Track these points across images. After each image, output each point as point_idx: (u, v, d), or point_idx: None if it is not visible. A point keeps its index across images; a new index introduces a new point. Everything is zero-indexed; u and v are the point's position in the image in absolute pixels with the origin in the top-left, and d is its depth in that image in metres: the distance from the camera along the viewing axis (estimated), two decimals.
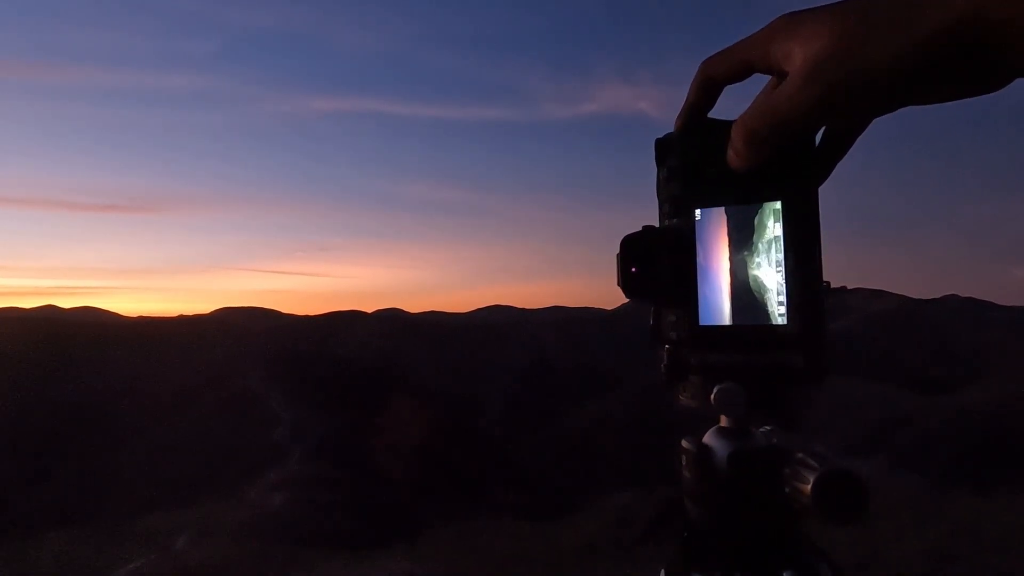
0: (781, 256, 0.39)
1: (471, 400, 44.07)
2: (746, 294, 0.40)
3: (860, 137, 0.40)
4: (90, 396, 37.64)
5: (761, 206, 0.40)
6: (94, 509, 23.81)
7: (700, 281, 0.41)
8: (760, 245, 0.40)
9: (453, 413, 38.23)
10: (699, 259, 0.41)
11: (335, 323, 56.00)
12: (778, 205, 0.39)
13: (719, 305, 0.41)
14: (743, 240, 0.40)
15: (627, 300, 0.43)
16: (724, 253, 0.41)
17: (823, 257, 0.38)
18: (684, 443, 0.44)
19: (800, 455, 0.37)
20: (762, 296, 0.40)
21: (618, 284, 0.43)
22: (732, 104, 0.42)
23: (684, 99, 0.42)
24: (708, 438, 0.43)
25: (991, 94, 0.34)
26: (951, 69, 0.31)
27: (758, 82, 0.41)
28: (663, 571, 0.45)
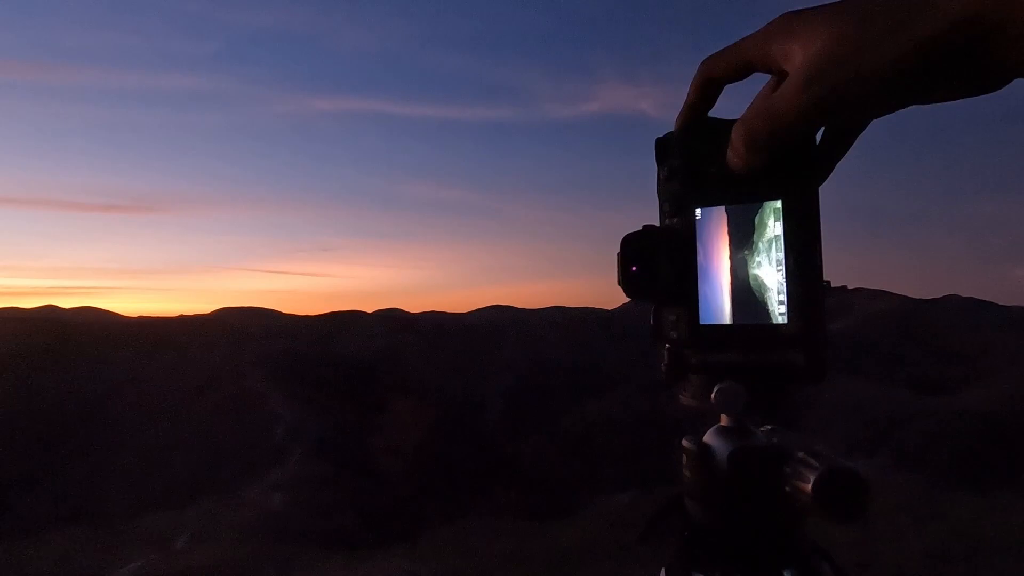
0: (781, 255, 0.39)
1: (471, 400, 44.05)
2: (746, 293, 0.40)
3: (860, 136, 0.40)
4: (90, 396, 37.64)
5: (761, 205, 0.39)
6: (94, 509, 23.81)
7: (700, 280, 0.41)
8: (760, 244, 0.39)
9: (453, 413, 38.23)
10: (699, 258, 0.41)
11: (335, 323, 55.99)
12: (778, 204, 0.39)
13: (719, 304, 0.41)
14: (743, 239, 0.40)
15: (627, 300, 0.44)
16: (724, 252, 0.40)
17: (823, 256, 0.38)
18: (685, 442, 0.44)
19: (800, 454, 0.37)
20: (762, 295, 0.39)
21: (618, 283, 0.43)
22: (732, 104, 0.42)
23: (684, 99, 0.42)
24: (709, 437, 0.43)
25: (991, 94, 0.34)
26: (949, 71, 0.31)
27: (758, 81, 0.41)
28: (663, 571, 0.45)
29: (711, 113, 0.42)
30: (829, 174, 0.40)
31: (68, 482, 28.50)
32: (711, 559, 0.42)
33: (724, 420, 0.43)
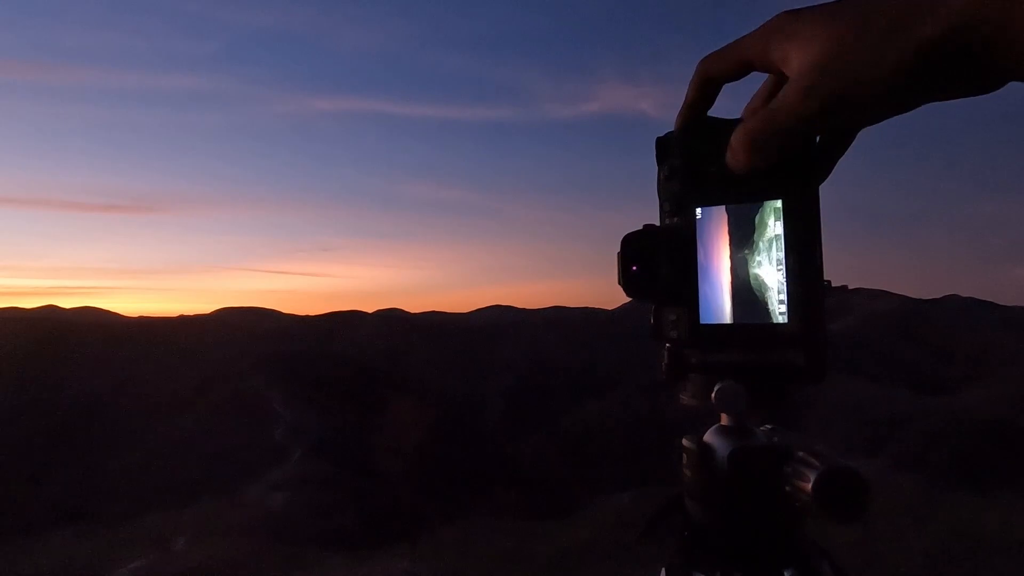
0: (782, 255, 0.39)
1: (471, 400, 44.04)
2: (747, 293, 0.40)
3: (860, 136, 0.40)
4: (90, 396, 37.63)
5: (762, 204, 0.39)
6: (94, 509, 23.81)
7: (701, 280, 0.41)
8: (761, 244, 0.39)
9: (453, 413, 38.22)
10: (700, 258, 0.41)
11: (335, 323, 55.98)
12: (779, 203, 0.39)
13: (720, 304, 0.41)
14: (744, 239, 0.40)
15: (628, 299, 0.43)
16: (725, 252, 0.40)
17: (824, 256, 0.38)
18: (685, 441, 0.44)
19: (801, 453, 0.37)
20: (763, 295, 0.39)
21: (618, 283, 0.43)
22: (731, 103, 0.43)
23: (684, 98, 0.43)
24: (709, 437, 0.43)
25: (990, 94, 0.34)
26: (948, 74, 0.32)
27: (757, 80, 0.41)
28: (663, 570, 0.44)
29: (711, 112, 0.42)
30: (829, 173, 0.40)
31: (68, 482, 28.48)
32: (711, 559, 0.42)
33: (724, 420, 0.43)
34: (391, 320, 57.67)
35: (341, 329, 54.81)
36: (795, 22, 0.35)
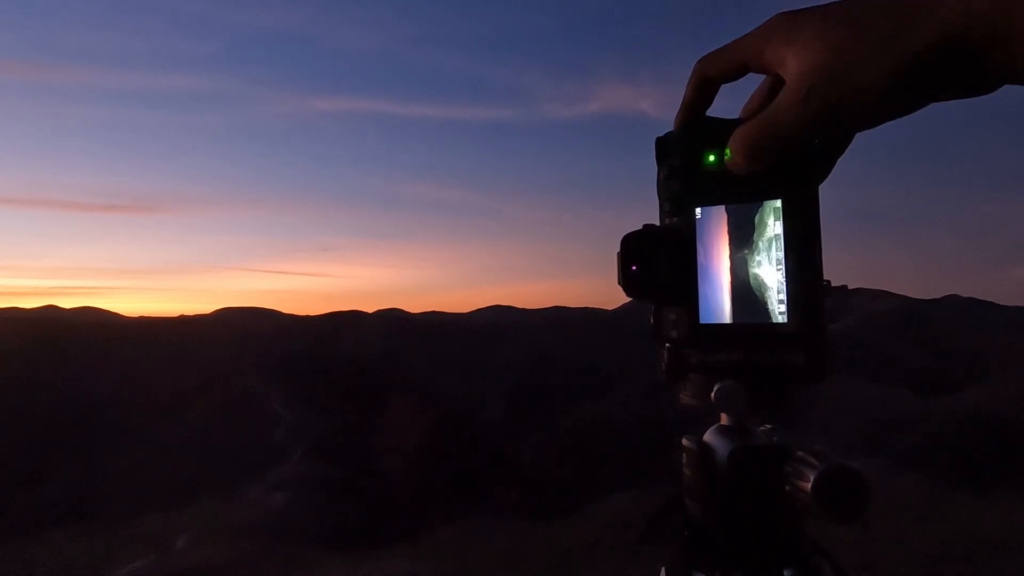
0: (781, 254, 0.39)
1: (471, 400, 44.05)
2: (746, 292, 0.40)
3: (860, 136, 0.39)
4: (90, 396, 37.63)
5: (761, 204, 0.39)
6: (94, 509, 23.80)
7: (700, 279, 0.41)
8: (760, 243, 0.39)
9: (453, 413, 38.22)
10: (699, 257, 0.41)
11: (335, 323, 56.00)
12: (778, 203, 0.39)
13: (719, 303, 0.41)
14: (743, 238, 0.40)
15: (628, 300, 0.43)
16: (724, 251, 0.41)
17: (823, 256, 0.38)
18: (685, 441, 0.44)
19: (800, 453, 0.37)
20: (762, 294, 0.39)
21: (618, 283, 0.43)
22: (730, 103, 0.43)
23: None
24: (709, 436, 0.43)
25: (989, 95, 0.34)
26: (945, 78, 0.32)
27: (757, 80, 0.41)
28: (663, 570, 0.44)
29: (710, 112, 0.42)
30: (829, 173, 0.40)
31: (68, 482, 28.48)
32: (711, 559, 0.42)
33: (724, 419, 0.43)
34: (391, 320, 57.68)
35: (341, 329, 54.83)
36: (793, 24, 0.35)
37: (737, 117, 0.42)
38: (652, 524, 0.46)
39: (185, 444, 31.36)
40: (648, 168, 0.44)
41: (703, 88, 0.41)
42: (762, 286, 0.39)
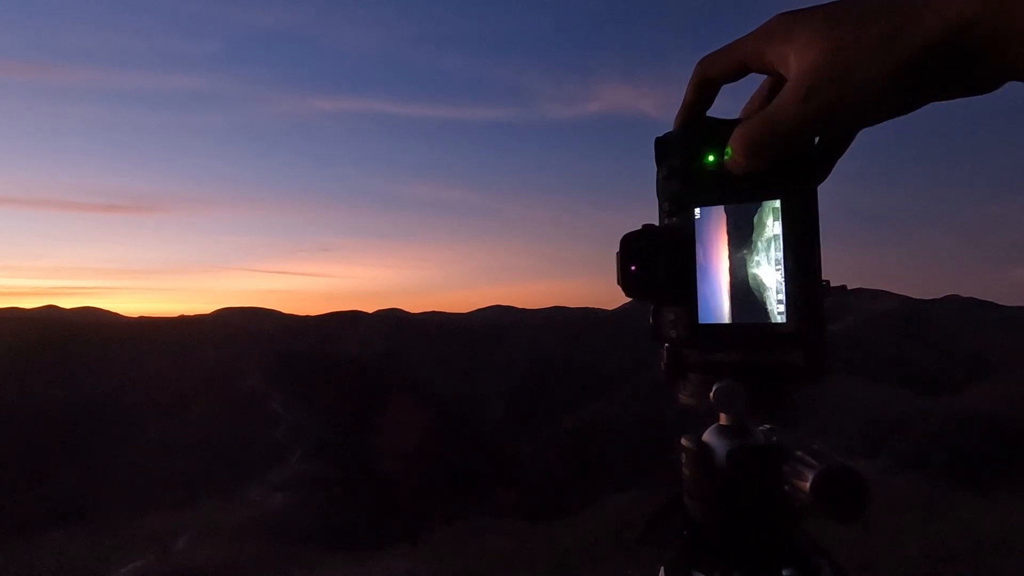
0: (780, 255, 0.39)
1: (471, 400, 44.06)
2: (745, 292, 0.40)
3: (860, 136, 0.39)
4: (90, 396, 37.64)
5: (761, 204, 0.39)
6: (94, 509, 23.80)
7: (699, 279, 0.41)
8: (759, 243, 0.39)
9: (453, 413, 38.23)
10: (698, 257, 0.41)
11: (335, 323, 56.02)
12: (777, 203, 0.39)
13: (718, 303, 0.41)
14: (742, 238, 0.40)
15: (627, 300, 0.43)
16: (723, 251, 0.41)
17: (823, 256, 0.38)
18: (684, 441, 0.44)
19: (799, 453, 0.37)
20: (761, 294, 0.39)
21: (618, 283, 0.42)
22: (730, 103, 0.43)
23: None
24: (708, 436, 0.43)
25: (989, 95, 0.34)
26: (946, 76, 0.32)
27: (757, 80, 0.41)
28: (663, 570, 0.44)
29: (710, 112, 0.42)
30: (828, 173, 0.40)
31: (68, 482, 28.48)
32: (711, 558, 0.42)
33: (723, 419, 0.43)
34: (391, 320, 57.70)
35: (341, 329, 54.85)
36: (793, 24, 0.35)
37: (737, 117, 0.42)
38: (652, 524, 0.45)
39: (185, 444, 31.35)
40: (648, 168, 0.44)
41: (704, 89, 0.41)
42: (761, 286, 0.39)
